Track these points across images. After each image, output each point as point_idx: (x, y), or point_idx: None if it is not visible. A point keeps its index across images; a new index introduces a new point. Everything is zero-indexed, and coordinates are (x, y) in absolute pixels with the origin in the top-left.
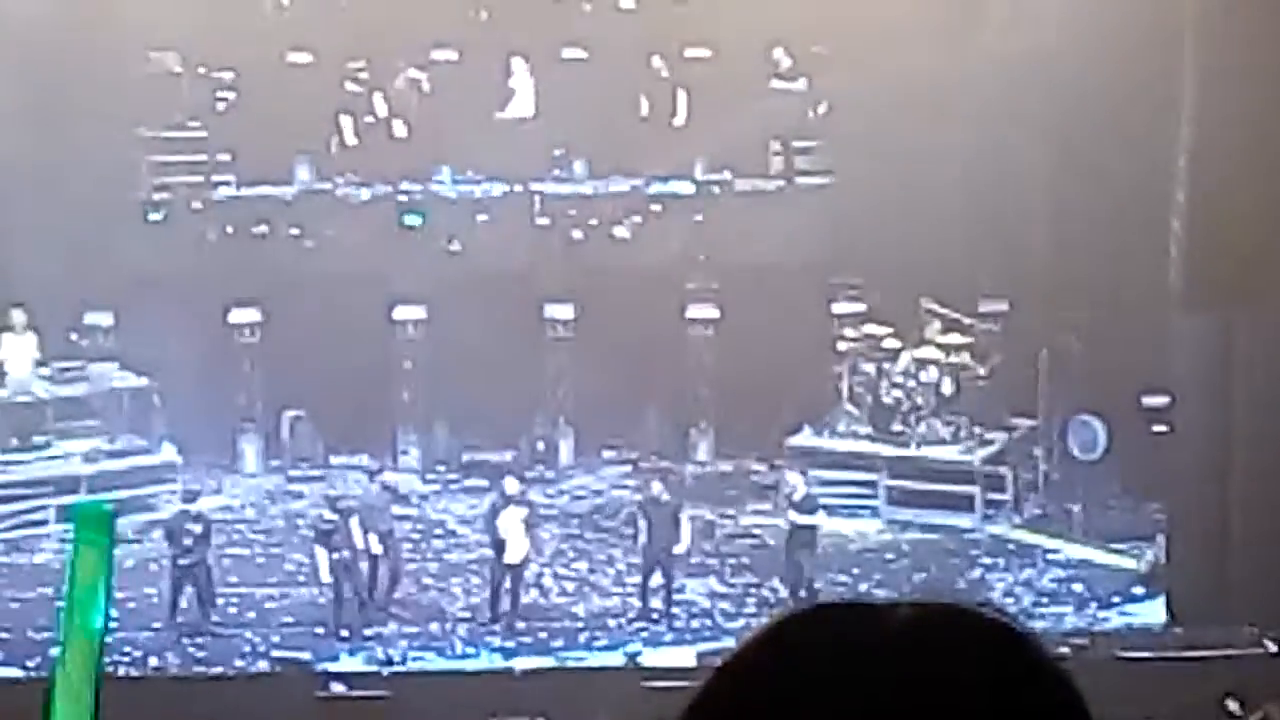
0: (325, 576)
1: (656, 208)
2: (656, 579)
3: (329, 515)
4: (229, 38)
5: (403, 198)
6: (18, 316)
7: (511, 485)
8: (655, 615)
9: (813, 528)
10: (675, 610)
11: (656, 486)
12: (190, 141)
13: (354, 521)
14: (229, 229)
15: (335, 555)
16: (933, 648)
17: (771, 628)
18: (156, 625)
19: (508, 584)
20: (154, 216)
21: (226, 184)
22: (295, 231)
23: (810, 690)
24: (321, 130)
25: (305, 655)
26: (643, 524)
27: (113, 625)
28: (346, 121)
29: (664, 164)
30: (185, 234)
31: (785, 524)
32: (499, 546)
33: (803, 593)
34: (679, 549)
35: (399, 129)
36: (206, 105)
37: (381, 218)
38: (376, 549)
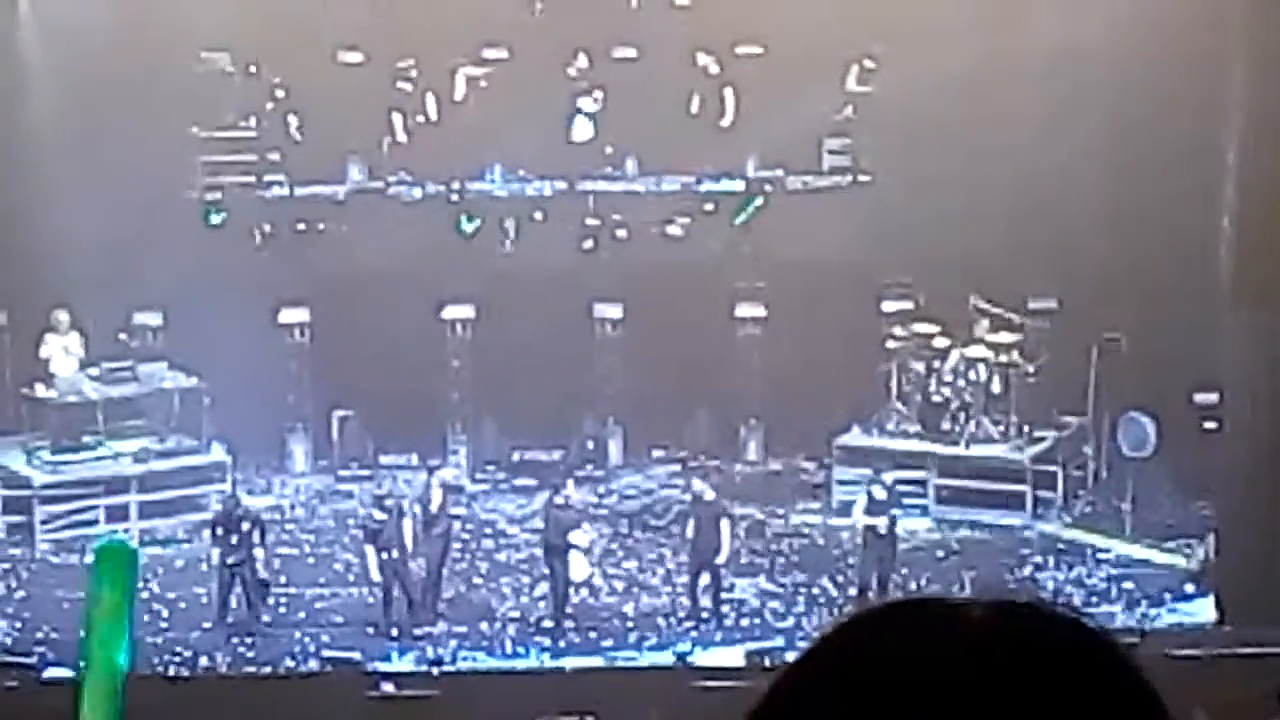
0: (375, 575)
1: (708, 206)
2: (704, 579)
3: (379, 514)
4: (280, 37)
5: (454, 197)
6: (62, 317)
7: (572, 490)
8: (704, 615)
9: (891, 529)
10: (725, 609)
11: (698, 484)
12: (242, 141)
13: (405, 521)
14: (280, 228)
15: (384, 555)
16: (1010, 646)
17: (843, 626)
18: (206, 625)
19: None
20: (205, 217)
21: (278, 184)
22: (346, 231)
23: (885, 689)
24: (373, 129)
25: (355, 655)
26: (690, 523)
27: (163, 625)
28: (398, 120)
29: (715, 162)
30: (236, 234)
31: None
32: (565, 557)
33: (871, 594)
34: (720, 559)
35: (450, 128)
36: (258, 105)
37: (432, 217)
38: (424, 548)
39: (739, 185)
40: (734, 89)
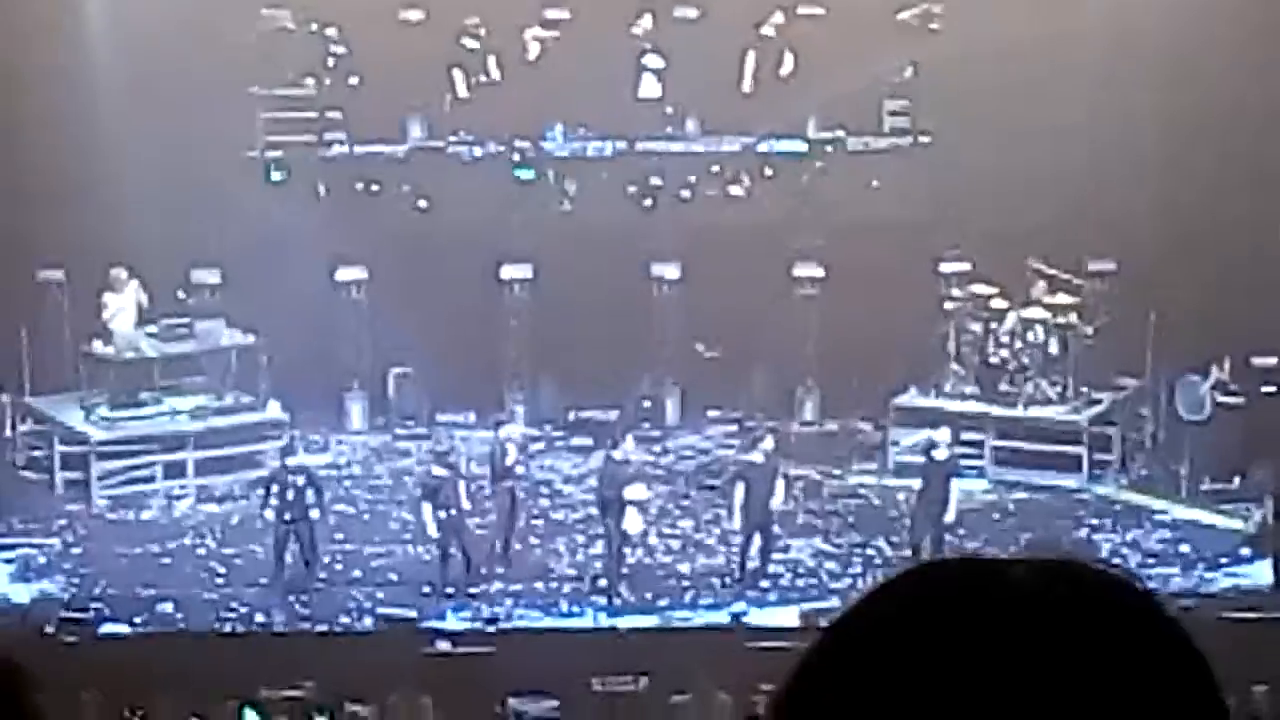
0: (432, 533)
1: (768, 168)
2: (756, 540)
3: (438, 471)
4: None
5: (515, 156)
6: (121, 275)
7: (631, 446)
8: (755, 576)
9: (946, 485)
10: (780, 570)
11: (768, 442)
12: (303, 99)
13: (462, 481)
14: (339, 187)
15: (442, 513)
16: (1055, 603)
17: (888, 584)
18: (262, 581)
19: (624, 549)
20: (265, 174)
21: (339, 142)
22: (406, 189)
23: (931, 646)
24: (434, 88)
25: (411, 613)
26: (740, 486)
27: (219, 582)
28: (459, 78)
29: (776, 123)
30: (294, 192)
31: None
32: (621, 513)
33: (924, 554)
34: (774, 502)
35: (511, 87)
36: (319, 63)
37: (492, 176)
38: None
39: (800, 146)
40: (795, 50)
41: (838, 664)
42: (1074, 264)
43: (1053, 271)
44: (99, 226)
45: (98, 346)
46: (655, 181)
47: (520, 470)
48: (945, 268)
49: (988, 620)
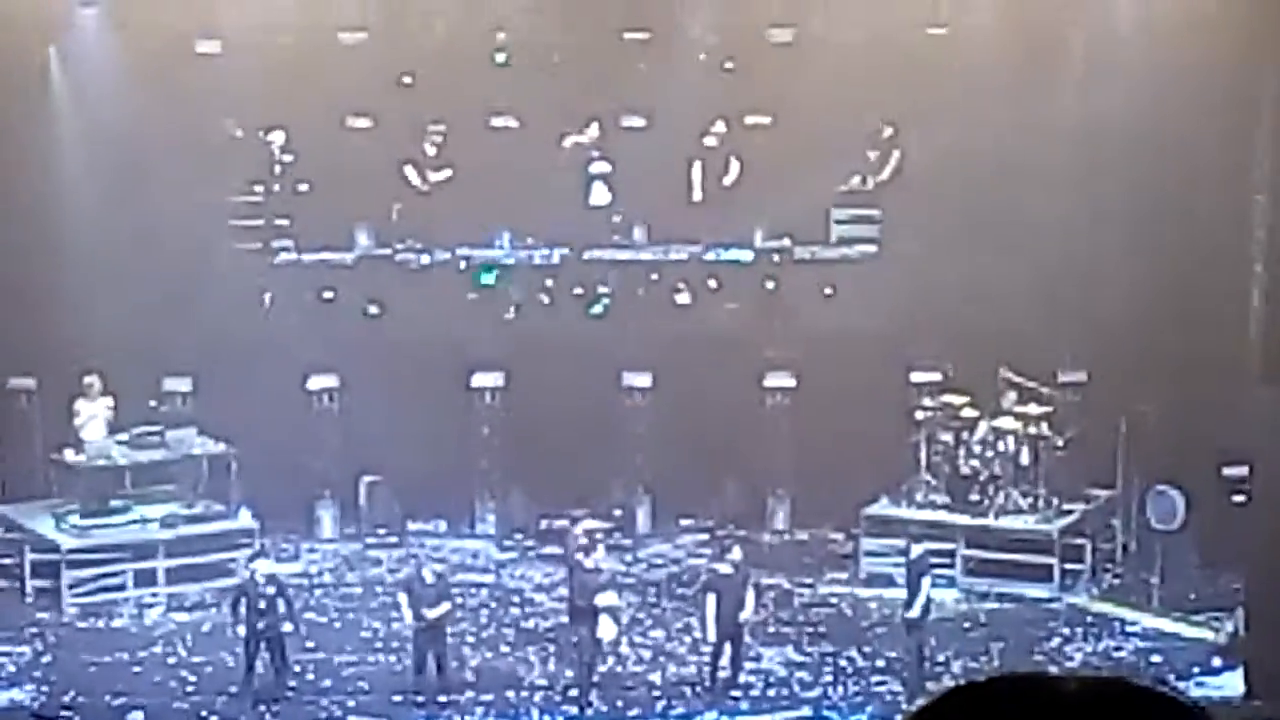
0: (408, 619)
1: (733, 275)
2: (727, 650)
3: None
4: (289, 103)
5: (462, 264)
6: (93, 383)
7: (601, 555)
8: (726, 685)
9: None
10: (751, 679)
11: (737, 552)
12: (258, 206)
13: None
14: (302, 294)
15: (418, 619)
16: (1108, 717)
17: (942, 698)
18: (233, 689)
19: (596, 659)
20: (232, 282)
21: (286, 249)
22: (371, 298)
23: None
24: (382, 195)
25: None
26: (711, 596)
27: (189, 690)
28: (409, 184)
29: (724, 231)
30: (266, 300)
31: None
32: (593, 622)
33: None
34: (744, 615)
35: (459, 195)
36: (266, 170)
37: (446, 283)
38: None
39: (748, 255)
40: (743, 159)
41: None
42: (1045, 374)
43: (1024, 381)
44: (70, 335)
45: (69, 454)
46: (609, 290)
47: (484, 579)
48: (916, 377)
49: None
